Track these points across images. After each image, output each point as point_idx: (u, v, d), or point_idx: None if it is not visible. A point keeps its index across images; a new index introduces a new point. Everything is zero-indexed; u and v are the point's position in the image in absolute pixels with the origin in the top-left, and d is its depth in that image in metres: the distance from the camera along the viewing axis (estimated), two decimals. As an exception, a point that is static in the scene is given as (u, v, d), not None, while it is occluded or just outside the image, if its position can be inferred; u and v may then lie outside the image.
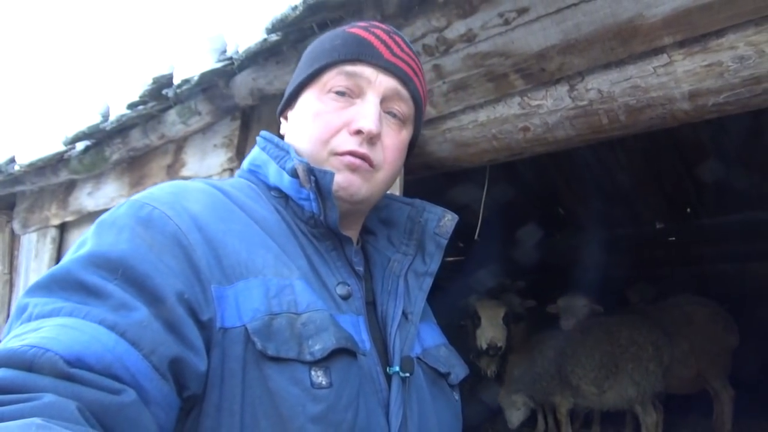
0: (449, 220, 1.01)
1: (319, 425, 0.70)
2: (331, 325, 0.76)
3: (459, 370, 1.00)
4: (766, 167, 4.72)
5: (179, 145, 2.95)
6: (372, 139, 0.89)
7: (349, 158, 0.88)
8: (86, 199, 3.69)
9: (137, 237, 0.70)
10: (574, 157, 5.14)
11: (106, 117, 2.94)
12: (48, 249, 4.10)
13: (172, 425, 0.65)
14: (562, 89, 1.76)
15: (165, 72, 2.50)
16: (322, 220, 0.87)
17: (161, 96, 2.52)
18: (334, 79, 0.91)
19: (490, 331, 3.81)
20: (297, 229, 0.88)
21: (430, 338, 0.99)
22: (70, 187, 3.88)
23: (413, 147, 1.03)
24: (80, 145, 3.39)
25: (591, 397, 4.09)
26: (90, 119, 3.11)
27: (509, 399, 4.36)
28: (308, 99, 0.94)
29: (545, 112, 1.82)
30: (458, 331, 3.97)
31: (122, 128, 2.99)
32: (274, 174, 0.91)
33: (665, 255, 5.78)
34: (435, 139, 2.12)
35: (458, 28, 1.73)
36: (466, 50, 1.79)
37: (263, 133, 0.98)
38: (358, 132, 0.88)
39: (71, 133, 3.10)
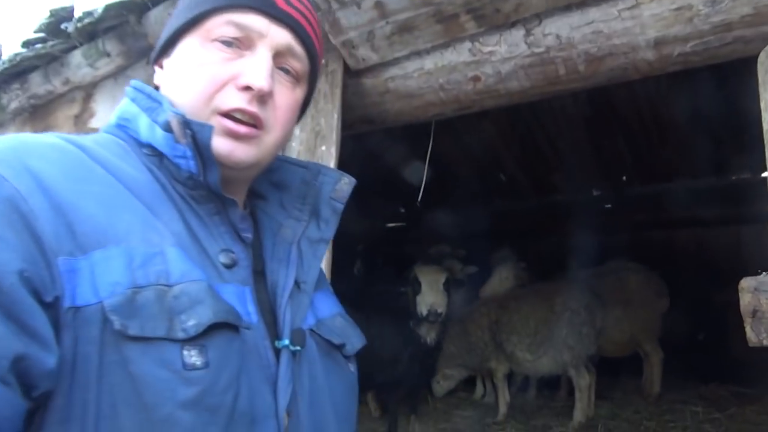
0: (346, 183, 0.94)
1: (191, 411, 0.62)
2: (209, 296, 0.67)
3: (355, 341, 0.95)
4: (698, 136, 4.81)
5: (87, 92, 2.60)
6: (263, 98, 0.80)
7: (230, 124, 0.78)
8: (-17, 153, 3.26)
9: None
10: (516, 121, 5.08)
11: (-2, 57, 2.55)
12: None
13: (20, 430, 0.57)
14: (518, 34, 1.60)
15: (65, 4, 2.16)
16: (201, 180, 0.77)
17: (61, 32, 2.18)
18: (219, 27, 0.80)
19: (431, 297, 3.70)
20: (173, 191, 0.78)
21: (326, 308, 0.93)
22: (-36, 140, 3.42)
23: (306, 107, 0.95)
24: (-28, 91, 2.96)
25: (525, 364, 4.11)
26: (-19, 60, 2.70)
27: (443, 372, 4.39)
28: (189, 47, 0.83)
29: (498, 59, 1.66)
30: (399, 296, 3.85)
31: (19, 71, 2.61)
32: (146, 128, 0.80)
33: (600, 222, 5.87)
34: (376, 89, 1.91)
35: (405, -43, 1.52)
36: (413, -15, 1.58)
37: (133, 82, 0.86)
38: (247, 88, 0.78)
39: (-43, 76, 2.68)
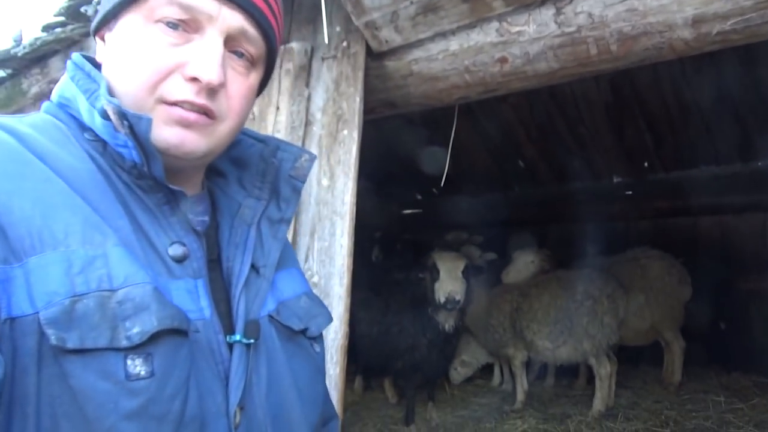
0: (306, 160, 0.90)
1: (135, 422, 0.60)
2: (154, 301, 0.64)
3: (321, 320, 0.92)
4: (723, 123, 4.70)
5: (107, 76, 2.60)
6: (213, 89, 0.74)
7: (179, 112, 0.72)
8: (4, 139, 3.29)
9: None
10: (536, 107, 5.00)
11: (19, 42, 2.55)
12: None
13: None
14: (548, 13, 1.54)
15: (85, -13, 2.14)
16: (146, 171, 0.72)
17: (80, 15, 2.16)
18: (163, 7, 0.72)
19: (449, 284, 3.66)
20: (118, 181, 0.73)
21: (290, 288, 0.89)
22: (-15, 125, 3.45)
23: (263, 87, 0.89)
24: (-7, 76, 2.98)
25: (545, 352, 4.08)
26: (2, 46, 2.71)
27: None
28: (131, 25, 0.74)
29: (526, 40, 1.61)
30: (417, 283, 3.82)
31: (40, 56, 2.61)
32: (86, 113, 0.74)
33: (621, 209, 5.78)
34: (399, 71, 1.87)
35: (431, -66, 1.48)
36: (440, -37, 1.54)
37: (74, 56, 0.78)
38: (195, 79, 0.72)
39: (-22, 61, 2.69)
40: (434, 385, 4.27)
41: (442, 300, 3.60)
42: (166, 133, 0.72)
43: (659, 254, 4.43)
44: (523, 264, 4.45)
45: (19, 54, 2.44)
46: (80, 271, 0.61)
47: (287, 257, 0.91)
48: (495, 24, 1.64)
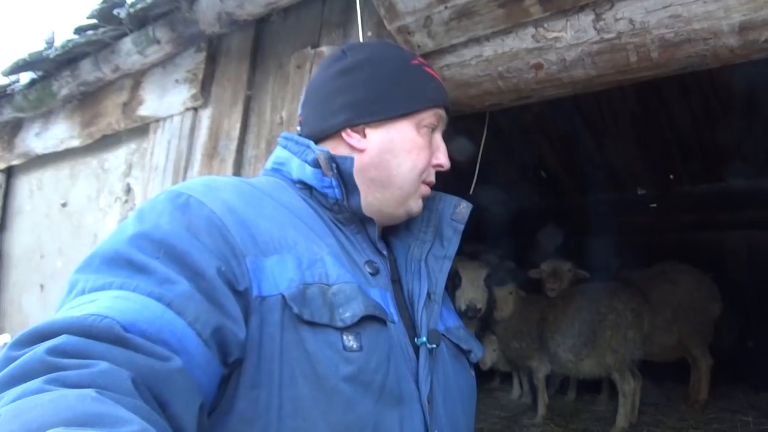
0: (464, 207, 1.11)
1: (350, 384, 0.77)
2: (360, 294, 0.83)
3: (477, 351, 1.09)
4: (752, 136, 4.60)
5: (136, 80, 2.61)
6: None
7: (427, 190, 1.04)
8: (34, 140, 3.33)
9: (175, 220, 0.77)
10: (559, 119, 4.94)
11: (50, 44, 2.58)
12: (-7, 195, 3.76)
13: (213, 391, 0.71)
14: (587, 19, 1.51)
15: (118, -10, 2.16)
16: (345, 204, 0.94)
17: (113, 18, 2.17)
18: (429, 118, 1.03)
19: (470, 292, 3.63)
20: (324, 216, 0.95)
21: (451, 320, 1.07)
22: (16, 127, 3.51)
23: None
24: (25, 78, 3.02)
25: (568, 365, 3.99)
26: (34, 47, 2.74)
27: (489, 338, 4.26)
28: (405, 128, 1.02)
29: (563, 46, 1.57)
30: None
31: (71, 58, 2.64)
32: (297, 168, 0.98)
33: (645, 221, 5.67)
34: (431, 77, 1.85)
35: (469, -63, 1.45)
36: (476, -33, 1.51)
37: (284, 133, 1.06)
38: (438, 165, 1.05)
39: (11, 63, 2.73)
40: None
41: (463, 308, 3.57)
42: (417, 205, 1.03)
43: (688, 268, 4.32)
44: (563, 273, 4.28)
45: (51, 56, 2.46)
46: (307, 267, 0.81)
47: (445, 297, 1.09)
48: (531, 30, 1.60)
